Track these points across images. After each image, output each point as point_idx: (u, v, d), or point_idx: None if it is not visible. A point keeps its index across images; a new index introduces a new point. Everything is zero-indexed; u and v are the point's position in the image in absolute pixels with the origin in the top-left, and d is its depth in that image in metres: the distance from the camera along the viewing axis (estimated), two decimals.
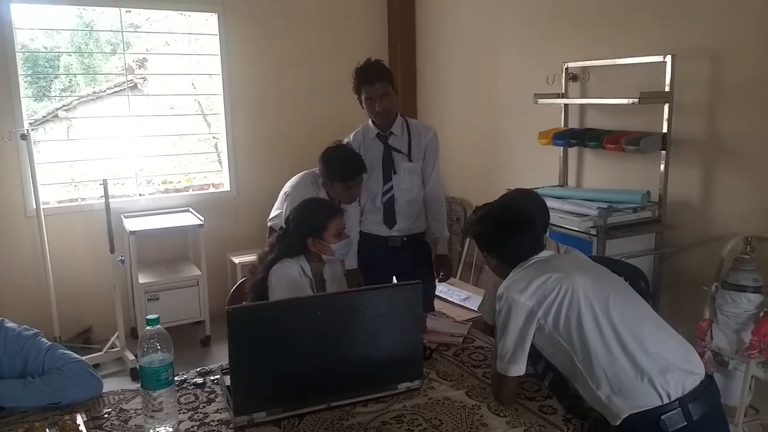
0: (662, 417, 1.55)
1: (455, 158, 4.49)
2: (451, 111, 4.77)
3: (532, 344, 1.72)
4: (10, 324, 1.89)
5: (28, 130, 3.86)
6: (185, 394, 1.86)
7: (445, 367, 2.03)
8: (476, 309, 3.66)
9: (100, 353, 3.95)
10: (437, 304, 3.35)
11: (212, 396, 1.85)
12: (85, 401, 1.80)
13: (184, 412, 1.75)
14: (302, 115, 4.89)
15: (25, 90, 4.14)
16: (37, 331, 1.93)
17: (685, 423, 1.55)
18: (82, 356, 3.89)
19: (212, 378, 1.94)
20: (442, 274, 3.00)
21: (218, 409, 1.77)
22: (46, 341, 1.90)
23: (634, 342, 1.61)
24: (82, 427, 1.60)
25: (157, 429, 1.62)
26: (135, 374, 3.71)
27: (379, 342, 1.78)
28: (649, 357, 1.60)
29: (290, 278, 2.17)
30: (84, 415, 1.70)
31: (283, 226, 2.32)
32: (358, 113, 2.98)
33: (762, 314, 2.44)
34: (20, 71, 4.01)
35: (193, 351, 4.17)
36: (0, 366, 1.82)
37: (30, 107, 4.32)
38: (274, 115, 4.82)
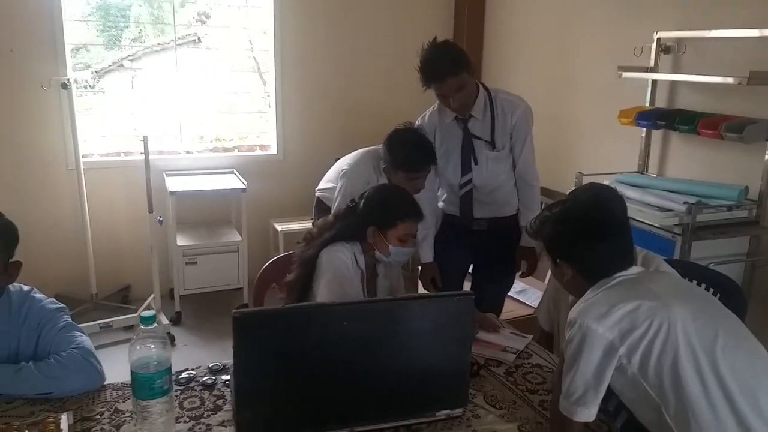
0: None
1: None
2: (519, 81, 4.33)
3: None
4: (37, 294, 1.71)
5: (68, 79, 3.68)
6: (190, 397, 1.62)
7: (494, 389, 1.71)
8: (533, 306, 3.34)
9: (134, 315, 3.84)
10: None
11: (220, 402, 1.60)
12: (79, 394, 1.59)
13: (184, 421, 1.51)
14: (359, 82, 4.56)
15: (96, 38, 4.15)
16: (62, 306, 1.75)
17: None
18: (117, 316, 3.83)
19: (223, 379, 1.70)
20: (524, 270, 2.64)
21: (224, 421, 1.52)
22: (66, 319, 1.71)
23: (746, 401, 1.26)
24: None
25: None
26: (170, 338, 3.63)
27: (418, 361, 1.48)
28: (765, 422, 1.24)
29: (340, 265, 1.94)
30: (71, 416, 1.48)
31: (355, 199, 2.09)
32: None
33: None
34: (69, 17, 3.84)
35: (229, 319, 3.99)
36: (18, 340, 1.64)
37: (100, 55, 4.32)
38: (327, 79, 4.52)
